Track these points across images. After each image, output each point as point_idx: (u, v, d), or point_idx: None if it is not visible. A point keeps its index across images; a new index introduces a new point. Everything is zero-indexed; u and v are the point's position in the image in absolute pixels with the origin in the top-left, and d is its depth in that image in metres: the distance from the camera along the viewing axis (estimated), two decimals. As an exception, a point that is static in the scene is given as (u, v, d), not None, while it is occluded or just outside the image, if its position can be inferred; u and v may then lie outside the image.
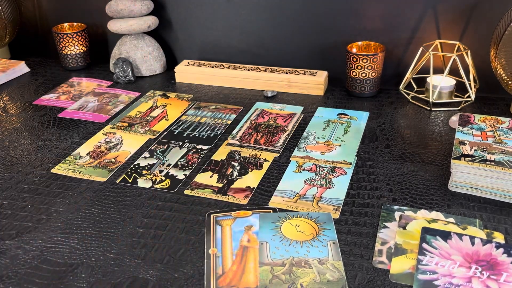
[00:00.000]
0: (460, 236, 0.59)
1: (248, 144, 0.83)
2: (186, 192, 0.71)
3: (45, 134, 0.89)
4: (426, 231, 0.60)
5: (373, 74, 0.97)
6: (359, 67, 0.96)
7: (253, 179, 0.74)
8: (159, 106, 0.98)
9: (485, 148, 0.70)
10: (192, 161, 0.79)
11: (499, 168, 0.65)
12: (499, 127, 0.76)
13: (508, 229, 0.62)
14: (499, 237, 0.60)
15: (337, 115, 0.93)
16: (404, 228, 0.61)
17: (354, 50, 1.01)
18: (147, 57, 1.13)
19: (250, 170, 0.76)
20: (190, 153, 0.81)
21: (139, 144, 0.85)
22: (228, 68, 1.08)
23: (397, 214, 0.64)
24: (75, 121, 0.94)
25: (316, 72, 1.04)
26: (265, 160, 0.79)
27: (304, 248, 0.59)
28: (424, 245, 0.58)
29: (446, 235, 0.59)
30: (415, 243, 0.59)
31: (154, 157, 0.80)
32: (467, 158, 0.68)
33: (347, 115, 0.92)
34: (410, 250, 0.58)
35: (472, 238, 0.59)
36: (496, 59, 0.87)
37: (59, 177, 0.76)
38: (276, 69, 1.06)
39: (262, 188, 0.72)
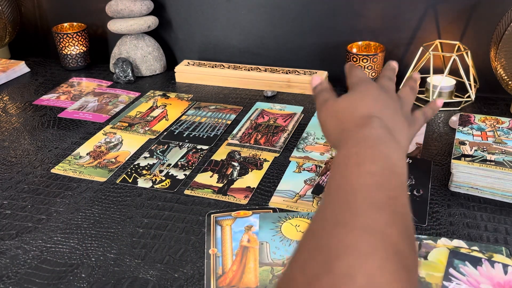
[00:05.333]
0: (492, 263, 0.55)
1: (248, 144, 0.83)
2: (186, 192, 0.71)
3: (45, 134, 0.89)
4: (454, 255, 0.56)
5: (373, 74, 0.97)
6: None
7: (253, 179, 0.74)
8: (159, 106, 0.98)
9: (485, 148, 0.70)
10: (192, 161, 0.79)
11: (499, 168, 0.65)
12: (499, 127, 0.76)
13: (508, 229, 0.62)
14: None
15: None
16: (426, 258, 0.57)
17: (354, 50, 1.01)
18: (147, 57, 1.13)
19: (250, 170, 0.76)
20: (190, 153, 0.81)
21: (139, 144, 0.85)
22: (228, 68, 1.08)
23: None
24: (75, 121, 0.94)
25: (316, 72, 1.04)
26: (265, 160, 0.78)
27: (304, 248, 0.59)
28: (451, 271, 0.54)
29: (476, 261, 0.55)
30: (439, 275, 0.54)
31: (154, 157, 0.80)
32: (467, 158, 0.68)
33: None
34: (435, 284, 0.53)
35: (505, 266, 0.54)
36: (496, 59, 0.87)
37: (59, 177, 0.76)
38: (276, 69, 1.06)
39: (262, 188, 0.72)
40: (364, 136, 0.50)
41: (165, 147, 0.83)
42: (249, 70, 1.07)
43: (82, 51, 1.18)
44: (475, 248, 0.58)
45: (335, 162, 0.48)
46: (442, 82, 0.93)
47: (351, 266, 0.35)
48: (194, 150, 0.82)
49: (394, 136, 0.52)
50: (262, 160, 0.79)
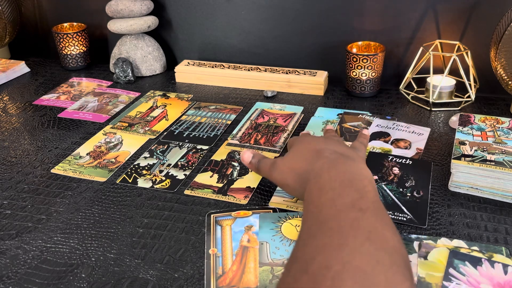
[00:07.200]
0: (492, 263, 0.55)
1: (248, 144, 0.83)
2: (186, 192, 0.71)
3: (45, 134, 0.89)
4: (454, 255, 0.56)
5: (373, 74, 0.97)
6: (359, 67, 0.96)
7: (253, 179, 0.74)
8: (159, 106, 0.98)
9: (485, 148, 0.70)
10: (192, 161, 0.79)
11: (499, 168, 0.65)
12: (499, 127, 0.76)
13: (508, 229, 0.62)
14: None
15: (337, 115, 0.93)
16: (425, 258, 0.57)
17: (354, 50, 1.01)
18: (147, 57, 1.13)
19: (250, 170, 0.76)
20: (190, 153, 0.81)
21: (139, 144, 0.85)
22: (228, 68, 1.08)
23: (416, 244, 0.59)
24: (75, 121, 0.94)
25: (316, 72, 1.04)
26: (265, 160, 0.78)
27: (304, 248, 0.59)
28: (451, 270, 0.54)
29: (476, 261, 0.55)
30: (439, 275, 0.54)
31: (154, 157, 0.80)
32: (467, 158, 0.68)
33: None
34: (435, 284, 0.53)
35: (505, 266, 0.54)
36: (496, 59, 0.87)
37: (59, 177, 0.76)
38: (276, 69, 1.06)
39: (262, 188, 0.72)
40: (320, 166, 0.56)
41: (165, 147, 0.83)
42: (249, 70, 1.07)
43: (82, 51, 1.18)
44: (475, 248, 0.58)
45: (304, 201, 0.53)
46: (442, 82, 0.93)
47: (325, 260, 0.38)
48: (194, 150, 0.82)
49: (346, 156, 0.58)
50: (262, 160, 0.78)
